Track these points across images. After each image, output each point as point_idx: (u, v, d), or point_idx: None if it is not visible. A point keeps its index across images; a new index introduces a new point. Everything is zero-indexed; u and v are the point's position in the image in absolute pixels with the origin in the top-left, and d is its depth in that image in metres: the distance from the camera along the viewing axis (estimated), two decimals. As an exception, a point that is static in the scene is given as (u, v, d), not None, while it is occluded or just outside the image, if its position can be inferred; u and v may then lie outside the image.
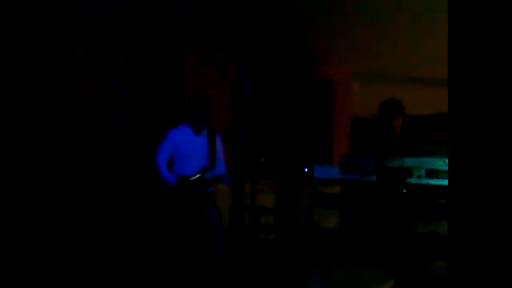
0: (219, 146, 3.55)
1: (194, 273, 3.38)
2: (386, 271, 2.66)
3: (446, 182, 2.98)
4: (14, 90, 1.53)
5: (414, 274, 3.08)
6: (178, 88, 5.32)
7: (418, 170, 3.10)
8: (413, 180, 3.11)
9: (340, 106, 6.59)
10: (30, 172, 1.54)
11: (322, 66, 6.23)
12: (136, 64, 4.97)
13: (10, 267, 1.48)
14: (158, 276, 3.63)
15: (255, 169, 3.78)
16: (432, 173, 3.06)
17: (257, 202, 4.69)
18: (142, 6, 4.21)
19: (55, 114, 1.61)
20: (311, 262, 2.92)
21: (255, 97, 5.74)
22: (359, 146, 3.72)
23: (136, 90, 3.16)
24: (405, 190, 3.19)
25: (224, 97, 5.39)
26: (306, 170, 3.53)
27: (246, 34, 5.13)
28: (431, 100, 6.56)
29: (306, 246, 4.07)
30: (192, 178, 3.36)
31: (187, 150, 3.41)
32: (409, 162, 3.13)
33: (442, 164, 3.03)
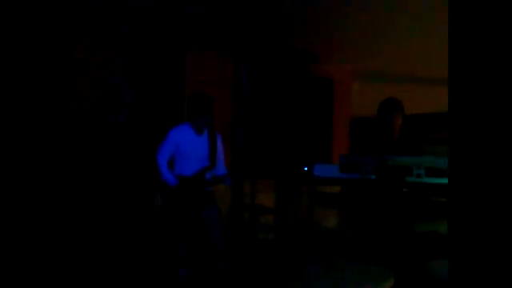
0: (220, 146, 3.55)
1: (194, 273, 3.38)
2: (386, 270, 2.66)
3: (445, 181, 2.99)
4: (13, 90, 1.53)
5: (413, 273, 3.09)
6: (177, 88, 5.32)
7: (417, 169, 3.11)
8: (412, 179, 3.12)
9: (340, 105, 6.60)
10: (29, 171, 1.54)
11: (321, 65, 6.23)
12: (135, 64, 4.97)
13: (9, 267, 1.48)
14: (157, 276, 3.63)
15: (255, 168, 3.78)
16: (432, 171, 3.06)
17: (256, 202, 4.70)
18: (141, 5, 4.21)
19: (55, 113, 1.61)
20: (311, 261, 2.92)
21: (255, 96, 5.74)
22: (359, 145, 3.72)
23: (135, 90, 3.15)
24: (405, 189, 3.19)
25: (224, 97, 5.39)
26: (306, 169, 3.54)
27: (246, 34, 5.13)
28: (431, 99, 6.57)
29: (306, 245, 4.08)
30: (192, 178, 3.37)
31: (188, 149, 3.40)
32: (408, 160, 3.13)
33: (441, 163, 3.04)
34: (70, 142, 2.89)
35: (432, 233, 3.45)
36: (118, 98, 2.99)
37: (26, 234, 1.52)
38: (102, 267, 2.94)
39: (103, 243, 2.97)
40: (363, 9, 4.19)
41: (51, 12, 1.60)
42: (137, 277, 3.32)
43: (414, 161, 3.13)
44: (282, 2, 4.12)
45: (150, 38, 5.07)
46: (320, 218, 4.68)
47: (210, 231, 3.41)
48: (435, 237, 3.44)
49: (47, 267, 1.55)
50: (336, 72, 6.48)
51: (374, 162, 3.19)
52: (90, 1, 4.00)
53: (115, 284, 3.00)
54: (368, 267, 2.78)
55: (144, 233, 3.46)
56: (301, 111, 6.16)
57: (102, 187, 2.97)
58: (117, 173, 3.03)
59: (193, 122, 3.43)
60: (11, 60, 1.52)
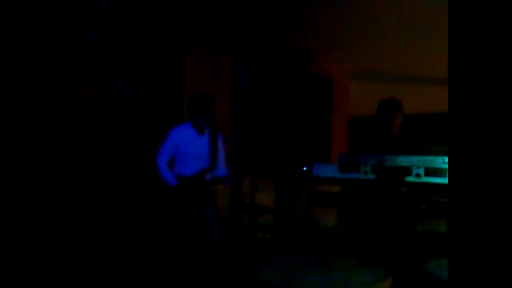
0: (220, 146, 3.55)
1: (192, 273, 3.38)
2: (385, 269, 2.66)
3: (445, 181, 2.99)
4: (13, 90, 1.53)
5: (412, 272, 3.09)
6: (176, 88, 5.32)
7: (417, 169, 3.11)
8: (412, 178, 3.12)
9: (338, 104, 6.60)
10: (29, 171, 1.54)
11: (320, 64, 6.23)
12: (135, 64, 4.97)
13: (9, 266, 1.48)
14: (157, 275, 3.63)
15: (254, 168, 3.79)
16: (431, 171, 3.07)
17: (256, 201, 4.70)
18: (140, 5, 4.21)
19: (55, 113, 1.61)
20: (310, 260, 2.93)
21: (254, 96, 5.74)
22: (358, 144, 3.73)
23: (135, 90, 3.16)
24: (404, 189, 3.20)
25: (223, 96, 5.39)
26: (305, 168, 3.54)
27: (245, 34, 5.13)
28: (430, 99, 6.58)
29: (305, 245, 4.08)
30: (192, 179, 3.37)
31: (188, 149, 3.40)
32: (408, 160, 3.14)
33: (441, 162, 3.05)
34: (71, 141, 2.89)
35: (431, 232, 3.46)
36: (118, 99, 2.99)
37: (27, 233, 1.52)
38: (102, 265, 2.95)
39: (103, 242, 2.97)
40: (362, 8, 4.20)
41: (51, 12, 1.60)
42: (136, 275, 3.32)
43: (414, 160, 3.14)
44: (280, 1, 4.12)
45: (149, 38, 5.07)
46: (319, 218, 4.68)
47: (209, 232, 3.41)
48: (434, 236, 3.45)
49: (48, 266, 1.55)
50: (335, 71, 6.48)
51: (373, 161, 3.19)
52: (90, 1, 4.00)
53: (115, 281, 3.00)
54: (367, 266, 2.78)
55: (143, 231, 3.47)
56: (300, 111, 6.17)
57: (102, 186, 2.98)
58: (117, 172, 3.03)
59: (194, 122, 3.43)
60: (11, 60, 1.52)
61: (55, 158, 1.60)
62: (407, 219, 3.33)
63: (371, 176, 3.20)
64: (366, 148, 3.49)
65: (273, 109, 5.96)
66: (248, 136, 5.56)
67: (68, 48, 4.38)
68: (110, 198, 3.00)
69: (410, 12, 4.21)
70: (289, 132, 6.04)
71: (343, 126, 6.71)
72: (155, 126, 4.15)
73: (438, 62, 3.56)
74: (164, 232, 3.47)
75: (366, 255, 3.20)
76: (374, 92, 4.73)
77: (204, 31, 4.99)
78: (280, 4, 4.18)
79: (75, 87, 4.32)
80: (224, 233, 3.56)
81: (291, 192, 5.69)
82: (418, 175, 3.10)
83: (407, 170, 3.12)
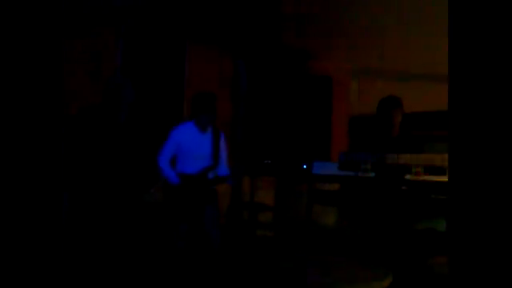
0: (223, 145, 3.55)
1: (192, 271, 3.39)
2: (385, 268, 2.67)
3: (444, 179, 2.99)
4: (13, 89, 1.53)
5: (412, 270, 3.09)
6: (176, 87, 5.32)
7: (416, 167, 3.11)
8: (411, 176, 3.12)
9: (338, 103, 6.59)
10: (29, 168, 1.54)
11: (320, 63, 6.22)
12: (134, 62, 4.97)
13: (9, 262, 1.48)
14: (157, 273, 3.63)
15: (254, 166, 3.79)
16: (431, 169, 3.07)
17: (256, 199, 4.70)
18: (140, 4, 4.20)
19: (54, 111, 1.61)
20: (310, 258, 2.93)
21: (254, 95, 5.74)
22: (358, 143, 3.73)
23: (134, 86, 3.15)
24: (404, 187, 3.20)
25: (223, 95, 5.39)
26: (305, 167, 3.54)
27: (244, 33, 5.13)
28: (430, 97, 6.56)
29: (305, 243, 4.08)
30: (194, 177, 3.37)
31: (191, 148, 3.40)
32: (407, 158, 3.14)
33: (440, 160, 3.05)
34: (71, 140, 2.89)
35: (430, 230, 3.46)
36: (119, 97, 2.99)
37: (26, 230, 1.52)
38: (102, 263, 2.95)
39: (104, 239, 2.97)
40: (362, 7, 4.19)
41: (51, 11, 1.60)
42: (136, 272, 3.33)
43: (413, 158, 3.14)
44: (281, 0, 4.12)
45: (149, 37, 5.07)
46: (319, 216, 4.68)
47: (208, 231, 3.41)
48: (433, 234, 3.45)
49: (47, 263, 1.55)
50: (335, 70, 6.47)
51: (373, 159, 3.19)
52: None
53: (115, 279, 3.00)
54: (367, 264, 2.78)
55: (144, 229, 3.47)
56: (299, 109, 6.16)
57: (103, 184, 2.97)
58: (117, 170, 3.03)
59: (196, 120, 3.44)
60: (9, 58, 1.52)
61: (55, 155, 1.60)
62: (407, 217, 3.33)
63: (371, 174, 3.20)
64: (366, 146, 3.49)
65: (273, 107, 5.95)
66: (248, 135, 5.56)
67: (66, 45, 4.38)
68: (110, 195, 3.00)
69: (410, 10, 4.21)
70: (289, 131, 6.03)
71: (343, 124, 6.70)
72: (155, 125, 4.14)
73: (438, 61, 3.55)
74: (166, 231, 3.47)
75: (365, 253, 3.20)
76: (374, 91, 4.73)
77: (204, 30, 4.99)
78: (280, 2, 4.18)
79: (76, 86, 4.32)
80: (224, 231, 3.56)
81: (291, 190, 5.69)
82: (417, 173, 3.10)
83: (407, 168, 3.12)
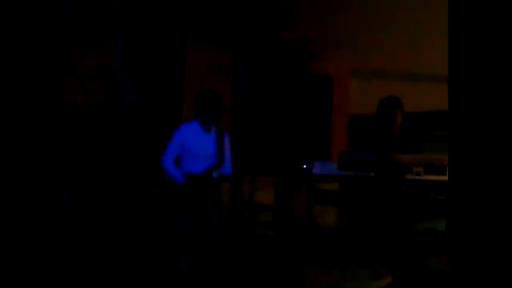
0: (227, 144, 3.55)
1: (193, 263, 3.39)
2: (384, 267, 2.67)
3: (444, 178, 2.99)
4: (14, 88, 1.53)
5: (411, 270, 3.09)
6: (176, 86, 5.32)
7: (416, 167, 3.11)
8: (411, 176, 3.12)
9: (338, 102, 6.61)
10: (29, 167, 1.54)
11: (320, 62, 6.24)
12: (134, 61, 4.97)
13: (9, 258, 1.48)
14: (157, 273, 3.63)
15: (254, 166, 3.80)
16: (431, 169, 3.07)
17: (255, 199, 4.70)
18: (140, 2, 4.21)
19: (55, 108, 1.61)
20: (309, 258, 2.93)
21: (254, 94, 5.74)
22: (358, 142, 3.73)
23: (134, 84, 3.15)
24: (405, 187, 3.20)
25: (222, 95, 5.39)
26: (305, 166, 3.54)
27: (245, 31, 5.13)
28: (430, 97, 6.58)
29: (305, 243, 4.09)
30: (200, 177, 3.37)
31: (195, 147, 3.40)
32: (407, 158, 3.14)
33: (440, 160, 3.05)
34: (71, 139, 2.89)
35: (429, 230, 3.46)
36: (119, 97, 2.99)
37: (27, 225, 1.52)
38: (103, 259, 2.95)
39: (104, 235, 2.97)
40: (362, 6, 4.19)
41: (51, 10, 1.60)
42: (137, 273, 3.33)
43: (413, 158, 3.14)
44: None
45: (148, 35, 5.07)
46: (319, 216, 4.68)
47: (211, 230, 3.42)
48: (433, 234, 3.45)
49: (47, 258, 1.56)
50: (335, 70, 6.48)
51: (373, 159, 3.20)
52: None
53: (115, 277, 3.00)
54: (366, 264, 2.78)
55: (145, 226, 3.48)
56: (300, 109, 6.17)
57: (103, 184, 2.98)
58: (117, 169, 3.03)
59: (201, 120, 3.44)
60: (12, 59, 1.52)
61: (55, 155, 1.60)
62: (406, 217, 3.33)
63: (371, 174, 3.20)
64: (366, 146, 3.49)
65: (273, 107, 5.96)
66: (248, 134, 5.56)
67: (67, 43, 4.39)
68: (109, 194, 3.00)
69: (410, 10, 4.21)
70: (289, 130, 6.04)
71: (343, 124, 6.71)
72: (155, 124, 4.15)
73: (438, 60, 3.56)
74: (170, 230, 3.48)
75: (365, 253, 3.20)
76: (374, 91, 4.73)
77: (204, 29, 4.99)
78: (280, 2, 4.18)
79: (76, 86, 4.32)
80: (224, 231, 3.57)
81: (291, 190, 5.69)
82: (417, 173, 3.10)
83: (407, 168, 3.12)
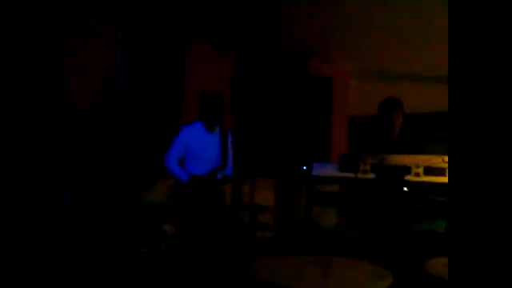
0: (230, 145, 3.55)
1: (197, 272, 3.39)
2: (385, 269, 2.66)
3: (444, 180, 2.99)
4: (14, 87, 1.53)
5: (412, 271, 3.09)
6: (175, 87, 5.32)
7: (416, 168, 3.11)
8: (411, 178, 3.12)
9: (338, 103, 6.60)
10: (29, 167, 1.54)
11: (320, 63, 6.24)
12: (134, 61, 4.97)
13: (9, 257, 1.48)
14: (158, 273, 3.63)
15: (254, 167, 3.80)
16: (430, 170, 3.07)
17: (255, 201, 4.70)
18: (140, 3, 4.21)
19: (55, 110, 1.61)
20: (309, 259, 2.93)
21: (253, 95, 5.74)
22: (358, 144, 3.73)
23: (135, 88, 3.16)
24: (406, 189, 3.20)
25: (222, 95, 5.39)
26: (305, 168, 3.54)
27: (244, 33, 5.13)
28: (430, 98, 6.58)
29: (305, 244, 4.08)
30: (204, 178, 3.38)
31: (199, 148, 3.41)
32: (407, 159, 3.14)
33: (440, 161, 3.04)
34: (71, 139, 2.89)
35: (429, 231, 3.46)
36: (119, 97, 3.00)
37: (27, 224, 1.52)
38: (103, 259, 2.95)
39: (105, 238, 2.97)
40: (362, 7, 4.19)
41: (51, 10, 1.60)
42: (138, 272, 3.33)
43: (413, 160, 3.14)
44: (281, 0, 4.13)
45: (148, 35, 5.07)
46: (319, 217, 4.68)
47: (213, 231, 3.42)
48: (432, 235, 3.45)
49: (48, 257, 1.55)
50: (334, 71, 6.48)
51: (372, 160, 3.19)
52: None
53: (116, 279, 3.00)
54: (366, 266, 2.78)
55: (146, 228, 3.48)
56: (299, 110, 6.17)
57: (103, 183, 2.98)
58: (117, 169, 3.03)
59: (204, 121, 3.45)
60: (12, 58, 1.52)
61: (55, 154, 1.60)
62: (406, 218, 3.33)
63: (371, 175, 3.20)
64: (366, 148, 3.49)
65: (272, 108, 5.96)
66: (248, 135, 5.55)
67: (66, 43, 4.38)
68: (109, 194, 3.00)
69: (410, 10, 4.21)
70: (288, 131, 6.04)
71: (343, 125, 6.71)
72: (155, 123, 4.14)
73: (438, 62, 3.56)
74: (175, 231, 3.48)
75: (365, 254, 3.20)
76: (373, 91, 4.73)
77: (204, 30, 4.99)
78: (279, 2, 4.18)
79: (76, 86, 4.32)
80: (225, 233, 3.57)
81: (291, 191, 5.69)
82: (417, 174, 3.10)
83: (406, 170, 3.12)
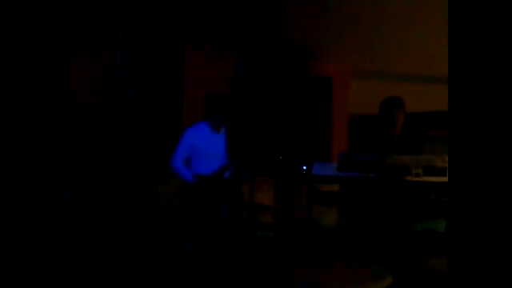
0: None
1: (199, 272, 3.40)
2: (385, 269, 2.66)
3: (444, 180, 2.99)
4: (15, 87, 1.53)
5: (412, 271, 3.09)
6: (175, 87, 5.32)
7: (416, 168, 3.11)
8: (411, 177, 3.12)
9: (338, 103, 6.60)
10: (29, 166, 1.54)
11: (320, 63, 6.24)
12: (134, 62, 4.97)
13: (9, 259, 1.48)
14: (158, 273, 3.63)
15: (254, 167, 3.81)
16: (430, 170, 3.07)
17: (255, 200, 4.70)
18: (140, 3, 4.21)
19: (55, 109, 1.61)
20: (310, 259, 2.93)
21: (253, 95, 5.74)
22: (358, 143, 3.73)
23: (135, 88, 3.16)
24: (407, 188, 3.20)
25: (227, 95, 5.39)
26: (305, 167, 3.55)
27: (244, 32, 5.13)
28: (430, 97, 6.58)
29: (305, 244, 4.08)
30: (211, 177, 3.39)
31: (205, 148, 3.43)
32: (407, 159, 3.14)
33: (440, 161, 3.04)
34: (71, 139, 2.89)
35: (429, 231, 3.46)
36: (119, 95, 3.00)
37: (27, 223, 1.52)
38: (104, 258, 2.95)
39: (106, 232, 2.98)
40: (363, 7, 4.19)
41: (51, 10, 1.60)
42: (139, 268, 3.33)
43: (413, 159, 3.14)
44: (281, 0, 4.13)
45: (148, 36, 5.07)
46: (319, 217, 4.68)
47: (217, 232, 3.44)
48: (433, 235, 3.45)
49: (48, 256, 1.55)
50: (335, 71, 6.48)
51: (372, 160, 3.19)
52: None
53: (116, 276, 3.00)
54: (366, 265, 2.78)
55: (147, 223, 3.48)
56: (300, 110, 6.17)
57: (102, 183, 2.98)
58: (117, 167, 3.03)
59: (210, 121, 3.47)
60: (13, 58, 1.52)
61: (55, 154, 1.60)
62: (407, 218, 3.33)
63: (371, 175, 3.20)
64: (367, 147, 3.49)
65: (273, 108, 5.96)
66: (248, 135, 5.56)
67: (68, 44, 4.39)
68: (109, 194, 3.01)
69: (410, 11, 4.21)
70: (289, 131, 6.04)
71: (343, 124, 6.71)
72: (155, 123, 4.14)
73: (438, 61, 3.56)
74: (179, 232, 3.49)
75: (365, 253, 3.20)
76: (374, 91, 4.73)
77: (204, 30, 4.99)
78: (279, 2, 4.18)
79: (75, 86, 4.32)
80: (227, 232, 3.58)
81: (291, 191, 5.69)
82: (417, 174, 3.10)
83: (407, 169, 3.12)
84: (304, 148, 6.08)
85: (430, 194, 3.30)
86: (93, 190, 2.96)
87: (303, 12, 4.40)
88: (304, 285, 2.40)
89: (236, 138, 3.57)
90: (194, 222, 3.39)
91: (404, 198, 3.26)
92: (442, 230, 3.35)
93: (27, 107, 1.54)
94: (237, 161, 3.53)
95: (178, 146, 3.43)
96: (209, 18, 4.59)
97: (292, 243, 4.68)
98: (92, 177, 2.97)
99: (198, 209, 3.39)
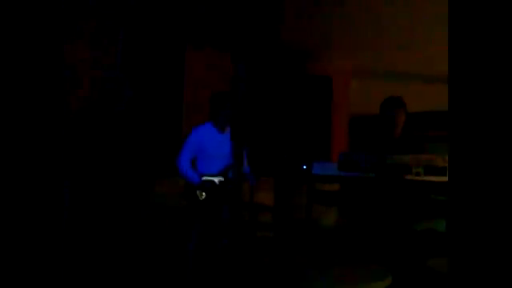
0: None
1: (200, 272, 3.40)
2: (384, 268, 2.66)
3: (444, 179, 2.99)
4: (15, 87, 1.53)
5: (411, 271, 3.09)
6: (175, 88, 5.32)
7: (416, 167, 3.11)
8: (411, 177, 3.12)
9: (338, 103, 6.59)
10: (29, 166, 1.54)
11: (320, 63, 6.23)
12: (134, 60, 4.96)
13: (10, 259, 1.48)
14: (159, 273, 3.63)
15: (254, 166, 3.81)
16: (431, 169, 3.07)
17: (255, 200, 4.69)
18: (140, 4, 4.21)
19: (55, 107, 1.61)
20: (310, 259, 2.93)
21: (254, 95, 5.74)
22: (359, 143, 3.73)
23: (134, 89, 3.17)
24: (404, 188, 3.20)
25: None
26: (305, 167, 3.54)
27: (244, 32, 5.13)
28: (430, 97, 6.57)
29: (305, 244, 4.08)
30: (217, 180, 3.40)
31: (211, 148, 3.45)
32: (408, 158, 3.13)
33: (440, 161, 3.04)
34: (71, 138, 2.89)
35: (430, 231, 3.46)
36: (118, 95, 3.00)
37: (27, 223, 1.52)
38: (104, 258, 2.95)
39: (106, 234, 2.98)
40: (363, 6, 4.19)
41: (50, 11, 1.60)
42: (140, 269, 3.33)
43: (413, 159, 3.14)
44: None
45: (148, 36, 5.07)
46: (319, 216, 4.67)
47: (220, 233, 3.44)
48: (433, 235, 3.45)
49: (48, 256, 1.55)
50: (335, 70, 6.47)
51: (373, 159, 3.19)
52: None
53: (117, 279, 3.00)
54: (366, 265, 2.78)
55: (148, 224, 3.48)
56: (299, 109, 6.16)
57: (102, 183, 2.98)
58: (116, 167, 3.04)
59: (215, 121, 3.48)
60: (13, 58, 1.52)
61: (55, 153, 1.60)
62: (407, 217, 3.33)
63: (371, 174, 3.20)
64: (368, 147, 3.49)
65: (273, 108, 5.96)
66: (248, 134, 5.55)
67: (67, 46, 4.39)
68: (109, 193, 3.01)
69: (410, 11, 4.21)
70: (289, 131, 6.03)
71: (343, 124, 6.70)
72: (155, 123, 4.14)
73: (438, 61, 3.55)
74: (183, 232, 3.50)
75: (365, 253, 3.20)
76: (374, 91, 4.73)
77: (203, 31, 4.99)
78: (279, 2, 4.18)
79: (75, 85, 4.32)
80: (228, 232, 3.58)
81: (291, 191, 5.69)
82: (418, 173, 3.10)
83: (407, 168, 3.12)
84: (304, 148, 6.08)
85: (430, 193, 3.30)
86: (93, 190, 2.96)
87: (303, 12, 4.40)
88: (304, 285, 2.40)
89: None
90: (197, 222, 3.39)
91: (404, 197, 3.26)
92: (442, 230, 3.35)
93: (27, 107, 1.54)
94: (242, 161, 3.53)
95: (184, 146, 3.44)
96: (209, 18, 4.59)
97: (292, 243, 4.68)
98: (91, 177, 2.97)
99: (203, 209, 3.39)
